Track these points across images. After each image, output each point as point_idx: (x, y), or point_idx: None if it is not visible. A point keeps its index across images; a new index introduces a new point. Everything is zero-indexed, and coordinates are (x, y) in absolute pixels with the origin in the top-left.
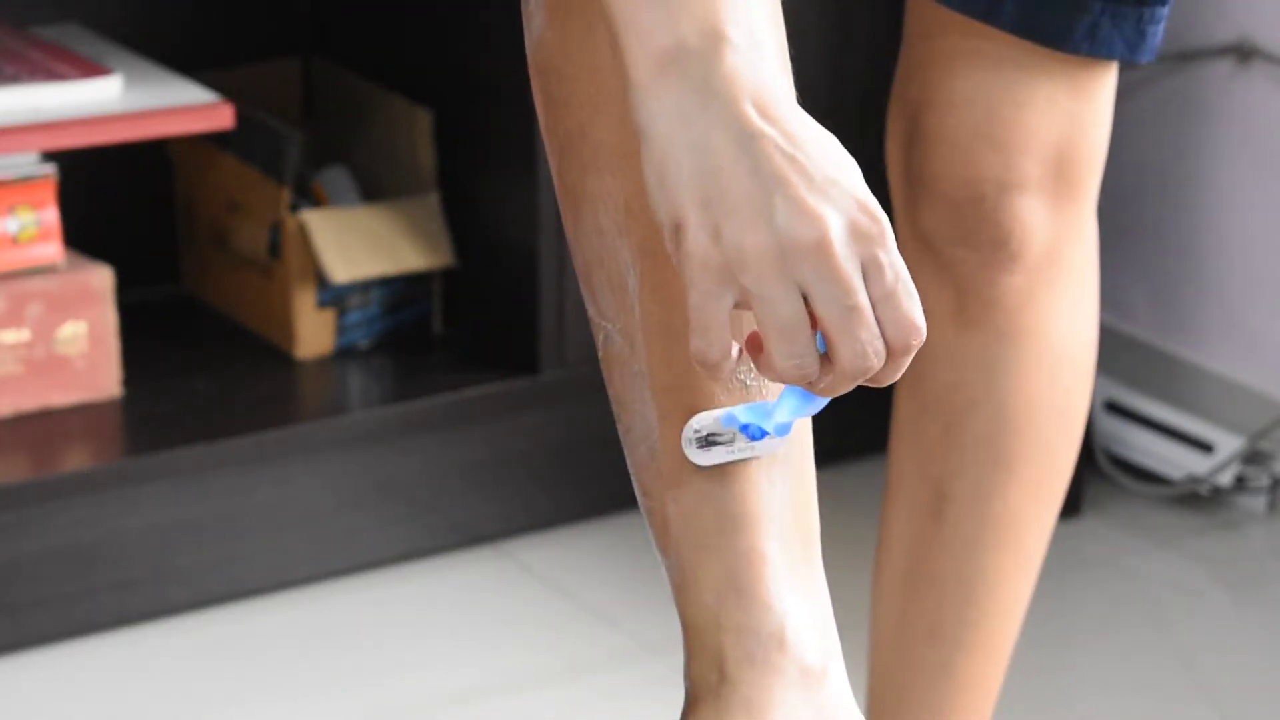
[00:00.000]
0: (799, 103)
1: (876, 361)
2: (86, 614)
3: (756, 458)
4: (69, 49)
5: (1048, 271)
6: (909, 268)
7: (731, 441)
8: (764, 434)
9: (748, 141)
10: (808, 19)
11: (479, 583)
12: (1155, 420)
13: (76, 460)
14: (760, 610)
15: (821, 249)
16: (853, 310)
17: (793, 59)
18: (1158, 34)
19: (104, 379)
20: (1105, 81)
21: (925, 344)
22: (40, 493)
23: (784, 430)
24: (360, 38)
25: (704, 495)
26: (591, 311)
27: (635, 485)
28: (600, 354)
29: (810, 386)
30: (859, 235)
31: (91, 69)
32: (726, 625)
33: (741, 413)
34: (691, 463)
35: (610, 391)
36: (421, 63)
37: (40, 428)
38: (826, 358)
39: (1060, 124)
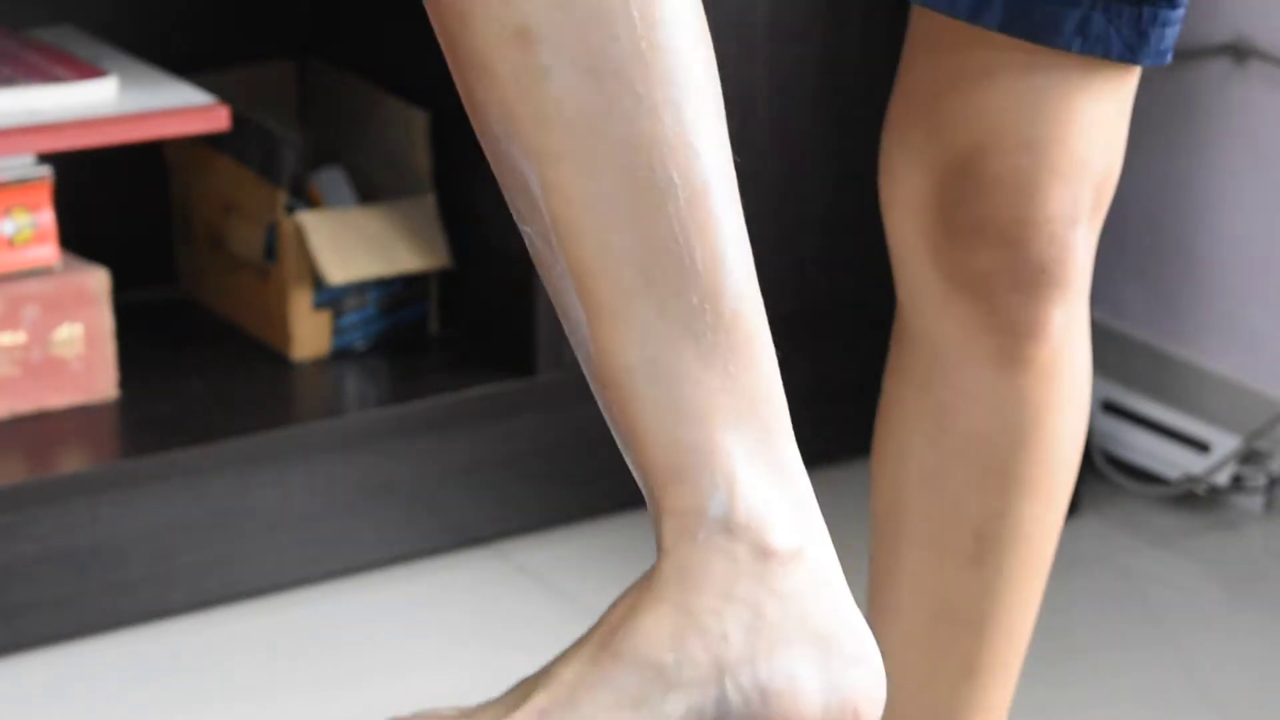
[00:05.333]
0: (794, 99)
1: None
2: (84, 616)
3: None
4: (65, 51)
5: (1080, 299)
6: (940, 313)
7: None
8: None
9: None
10: (803, 19)
11: (475, 584)
12: (1152, 420)
13: (73, 462)
14: (702, 495)
15: None
16: None
17: (789, 59)
18: (1164, 37)
19: (100, 381)
20: (1131, 96)
21: (955, 393)
22: (37, 495)
23: None
24: (356, 39)
25: (643, 395)
26: (514, 215)
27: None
28: (532, 258)
29: None
30: None
31: (87, 71)
32: (669, 509)
33: None
34: (624, 364)
35: (550, 297)
36: (417, 64)
37: (37, 430)
38: None
39: (1104, 148)
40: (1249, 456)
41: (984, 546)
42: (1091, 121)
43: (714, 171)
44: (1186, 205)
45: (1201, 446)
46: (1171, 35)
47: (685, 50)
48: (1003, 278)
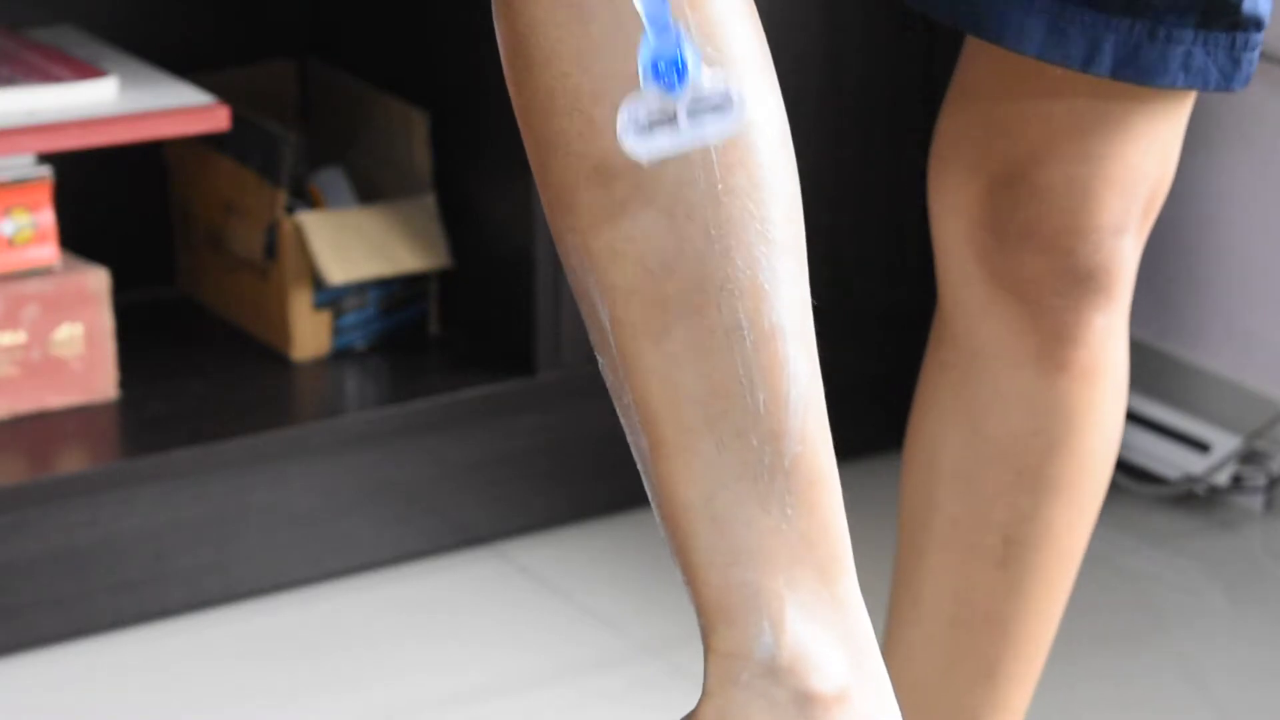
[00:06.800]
0: (795, 104)
1: None
2: (83, 615)
3: (704, 144)
4: (64, 51)
5: (1122, 306)
6: (983, 315)
7: (673, 120)
8: (680, 72)
9: None
10: (803, 19)
11: (475, 584)
12: (1152, 420)
13: (73, 462)
14: (749, 639)
15: None
16: None
17: (790, 58)
18: (1252, 61)
19: (100, 381)
20: (1188, 112)
21: (993, 394)
22: (37, 495)
23: (665, 40)
24: (356, 40)
25: (698, 533)
26: (592, 345)
27: None
28: (607, 387)
29: None
30: None
31: (87, 71)
32: (716, 650)
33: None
34: (682, 500)
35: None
36: (418, 64)
37: (37, 430)
38: None
39: (1159, 159)
40: (1249, 456)
41: (1012, 549)
42: (1149, 136)
43: (785, 315)
44: (1187, 205)
45: (1201, 446)
46: (1256, 58)
47: (764, 193)
48: (1049, 283)
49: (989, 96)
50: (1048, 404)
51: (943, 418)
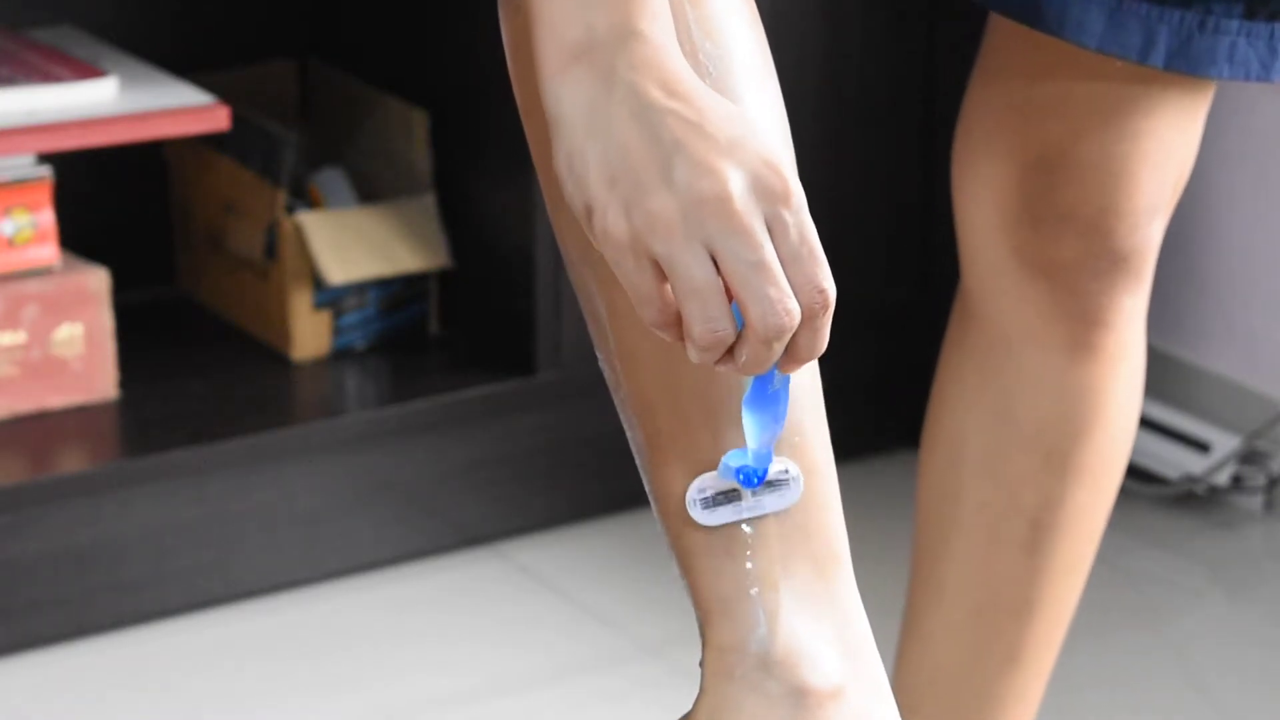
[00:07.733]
0: (795, 104)
1: (788, 320)
2: (83, 616)
3: (764, 513)
4: (64, 51)
5: (1146, 290)
6: (1014, 299)
7: (738, 497)
8: (761, 477)
9: (650, 115)
10: (803, 19)
11: (476, 584)
12: (1152, 420)
13: (73, 462)
14: (744, 631)
15: (721, 202)
16: (757, 265)
17: (790, 58)
18: None
19: (100, 381)
20: (1211, 95)
21: (1021, 379)
22: (37, 495)
23: (763, 459)
24: (356, 39)
25: (695, 525)
26: (593, 345)
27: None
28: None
29: (730, 359)
30: (762, 191)
31: (87, 71)
32: (712, 644)
33: (732, 457)
34: (678, 493)
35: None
36: (418, 64)
37: (37, 430)
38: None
39: (1187, 140)
40: (1249, 456)
41: (1038, 534)
42: (1181, 115)
43: None
44: (1186, 205)
45: (1201, 446)
46: None
47: None
48: (1084, 266)
49: (1023, 79)
50: (1077, 388)
51: (968, 404)
